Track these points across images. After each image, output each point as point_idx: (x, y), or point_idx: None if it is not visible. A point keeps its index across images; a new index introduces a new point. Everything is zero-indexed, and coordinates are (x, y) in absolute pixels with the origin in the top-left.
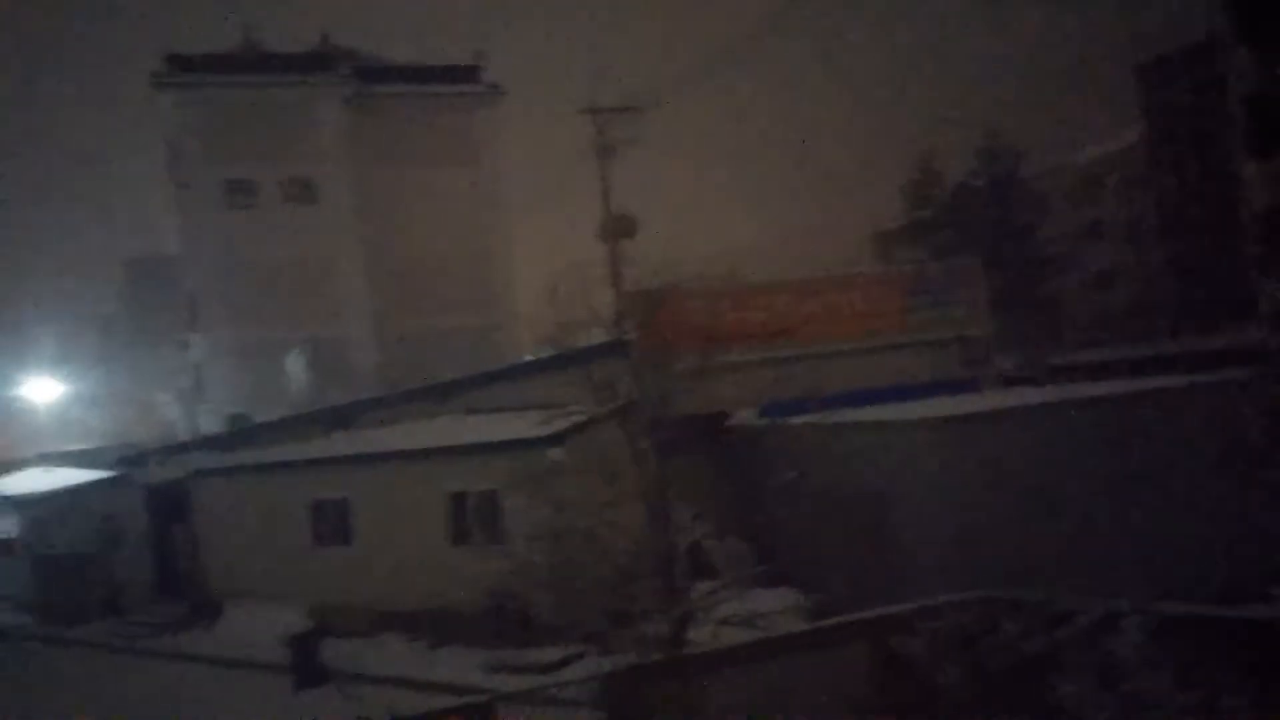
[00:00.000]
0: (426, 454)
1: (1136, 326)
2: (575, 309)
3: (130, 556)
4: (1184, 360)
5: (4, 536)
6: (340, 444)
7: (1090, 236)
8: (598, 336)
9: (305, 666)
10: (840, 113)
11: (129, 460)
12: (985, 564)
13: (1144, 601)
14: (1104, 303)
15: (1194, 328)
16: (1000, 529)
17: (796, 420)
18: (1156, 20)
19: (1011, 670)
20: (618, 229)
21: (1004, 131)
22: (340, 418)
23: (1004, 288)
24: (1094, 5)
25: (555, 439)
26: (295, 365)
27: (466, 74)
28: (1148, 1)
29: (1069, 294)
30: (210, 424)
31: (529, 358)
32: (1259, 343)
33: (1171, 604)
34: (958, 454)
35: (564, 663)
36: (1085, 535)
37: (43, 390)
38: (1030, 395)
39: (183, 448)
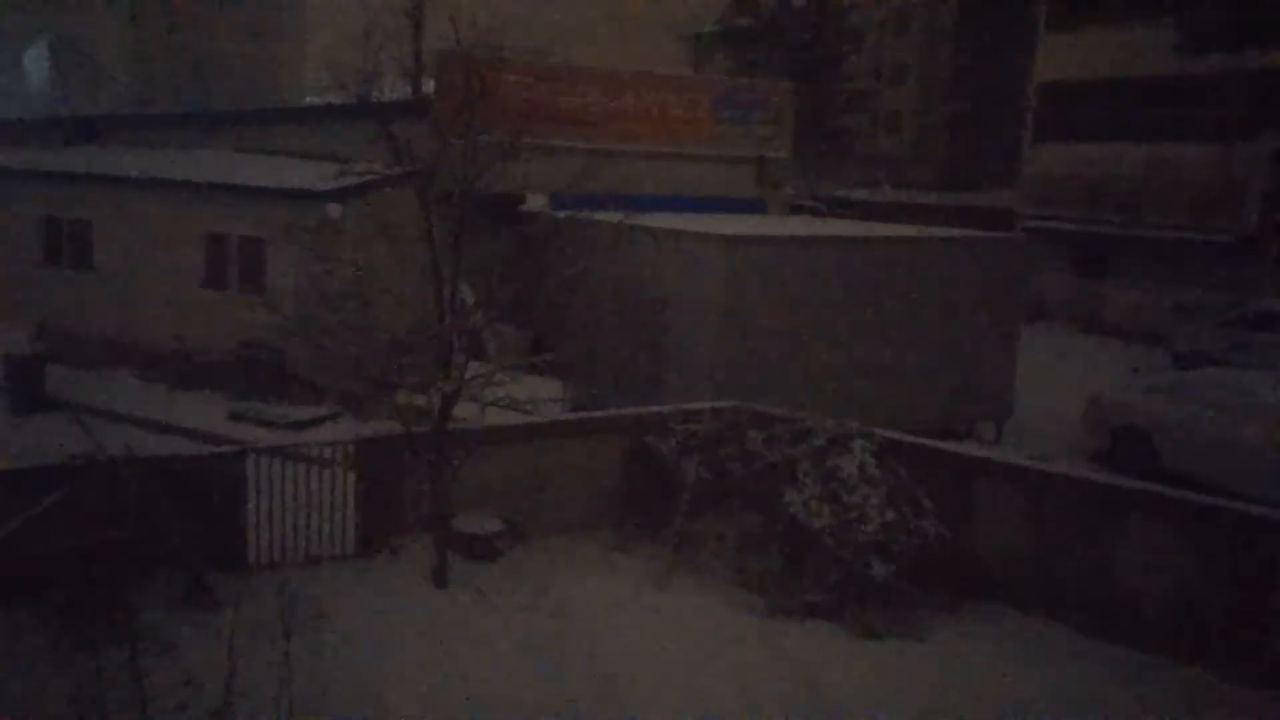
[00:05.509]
0: (189, 187)
1: (914, 173)
2: (378, 56)
3: None
4: (950, 212)
5: None
6: (86, 159)
7: (891, 78)
8: (398, 90)
9: (25, 390)
10: None
11: None
12: (745, 380)
13: (871, 426)
14: (889, 144)
15: (962, 183)
16: (767, 349)
17: (588, 215)
18: None
19: (750, 475)
20: None
21: None
22: (87, 130)
23: (804, 114)
24: None
25: (337, 194)
26: (36, 61)
27: None
28: None
29: (860, 130)
30: None
31: (315, 100)
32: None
33: (893, 431)
34: (738, 273)
35: (315, 421)
36: (845, 362)
37: None
38: (815, 226)
39: None
